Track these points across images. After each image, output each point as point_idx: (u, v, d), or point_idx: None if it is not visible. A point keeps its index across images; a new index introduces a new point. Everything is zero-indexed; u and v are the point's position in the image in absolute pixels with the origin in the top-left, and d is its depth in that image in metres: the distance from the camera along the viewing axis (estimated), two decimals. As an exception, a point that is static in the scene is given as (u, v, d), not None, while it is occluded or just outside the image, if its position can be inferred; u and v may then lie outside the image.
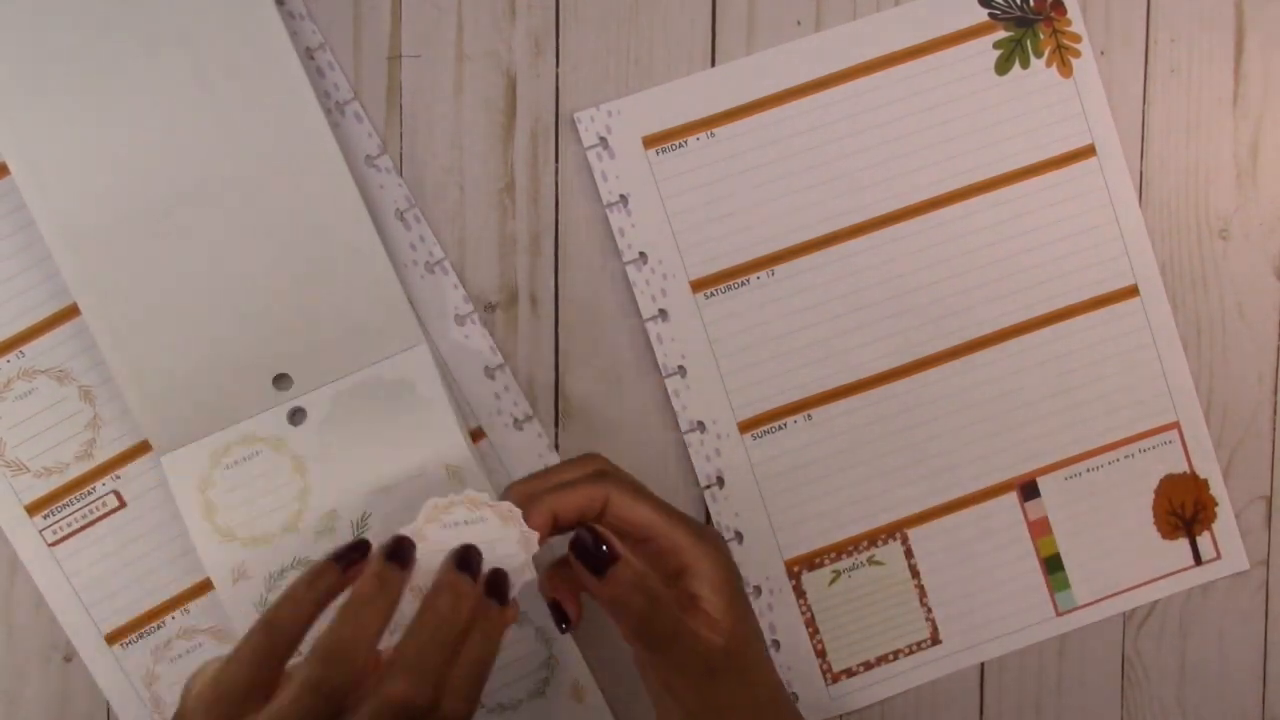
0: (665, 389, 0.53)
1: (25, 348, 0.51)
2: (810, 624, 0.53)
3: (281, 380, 0.50)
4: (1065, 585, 0.53)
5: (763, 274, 0.52)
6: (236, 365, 0.50)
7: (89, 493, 0.51)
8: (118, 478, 0.51)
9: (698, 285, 0.52)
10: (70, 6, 0.48)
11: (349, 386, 0.50)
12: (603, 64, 0.53)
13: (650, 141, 0.52)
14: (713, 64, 0.53)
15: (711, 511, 0.53)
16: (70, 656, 0.52)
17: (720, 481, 0.52)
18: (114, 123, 0.48)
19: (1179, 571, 0.54)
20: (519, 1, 0.52)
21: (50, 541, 0.51)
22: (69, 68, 0.48)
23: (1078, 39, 0.53)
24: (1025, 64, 0.53)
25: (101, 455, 0.51)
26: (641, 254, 0.52)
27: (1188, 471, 0.54)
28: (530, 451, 0.52)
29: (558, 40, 0.53)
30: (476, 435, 0.52)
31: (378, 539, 0.43)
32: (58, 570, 0.51)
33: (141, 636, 0.51)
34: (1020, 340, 0.53)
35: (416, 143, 0.52)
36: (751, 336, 0.52)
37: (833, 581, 0.53)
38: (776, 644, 0.53)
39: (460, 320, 0.52)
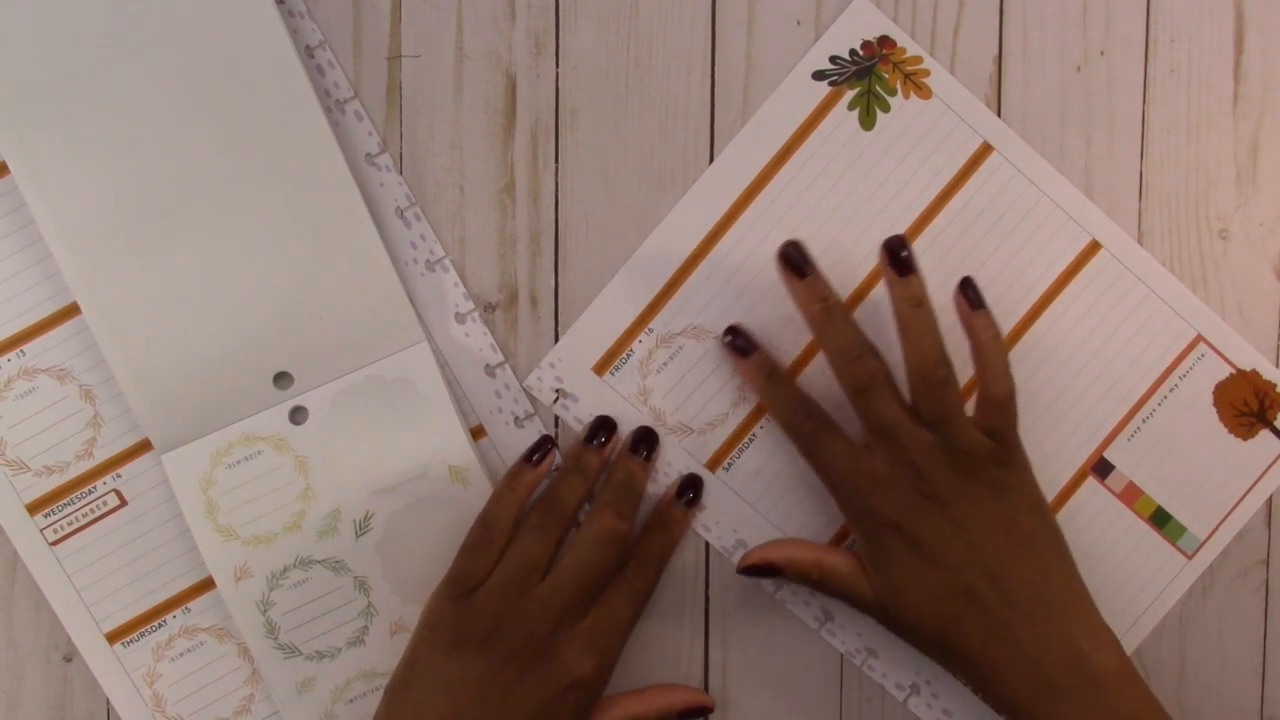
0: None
1: (26, 347, 0.51)
2: None
3: (282, 379, 0.50)
4: (1181, 530, 0.54)
5: (764, 422, 0.53)
6: (237, 364, 0.50)
7: (90, 491, 0.51)
8: (118, 476, 0.51)
9: (713, 464, 0.53)
10: (70, 6, 0.48)
11: (350, 385, 0.50)
12: (603, 64, 0.53)
13: (600, 368, 0.52)
14: (712, 63, 0.53)
15: (835, 645, 0.53)
16: (70, 656, 0.52)
17: (830, 616, 0.53)
18: (114, 122, 0.48)
19: (1277, 459, 0.54)
20: (519, 1, 0.53)
21: (51, 540, 0.51)
22: (69, 67, 0.48)
23: (919, 60, 0.53)
24: (885, 108, 0.53)
25: (102, 454, 0.51)
26: (667, 462, 0.53)
27: (1234, 372, 0.54)
28: (531, 450, 0.52)
29: (558, 40, 0.53)
30: (477, 433, 0.52)
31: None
32: (58, 569, 0.51)
33: (142, 635, 0.51)
34: (1021, 342, 0.53)
35: (416, 143, 0.52)
36: (783, 484, 0.53)
37: None
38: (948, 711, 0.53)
39: (461, 318, 0.52)
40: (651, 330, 0.53)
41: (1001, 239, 0.53)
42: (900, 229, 0.53)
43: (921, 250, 0.53)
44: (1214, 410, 0.54)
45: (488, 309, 0.53)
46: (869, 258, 0.53)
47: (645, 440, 0.51)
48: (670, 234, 0.53)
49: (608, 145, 0.53)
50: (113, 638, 0.51)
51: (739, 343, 0.51)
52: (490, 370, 0.52)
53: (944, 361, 0.48)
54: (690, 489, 0.52)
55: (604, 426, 0.51)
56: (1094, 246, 0.53)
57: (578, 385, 0.52)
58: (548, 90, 0.53)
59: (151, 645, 0.51)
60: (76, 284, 0.49)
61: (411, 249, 0.52)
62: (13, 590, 0.52)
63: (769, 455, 0.52)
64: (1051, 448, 0.53)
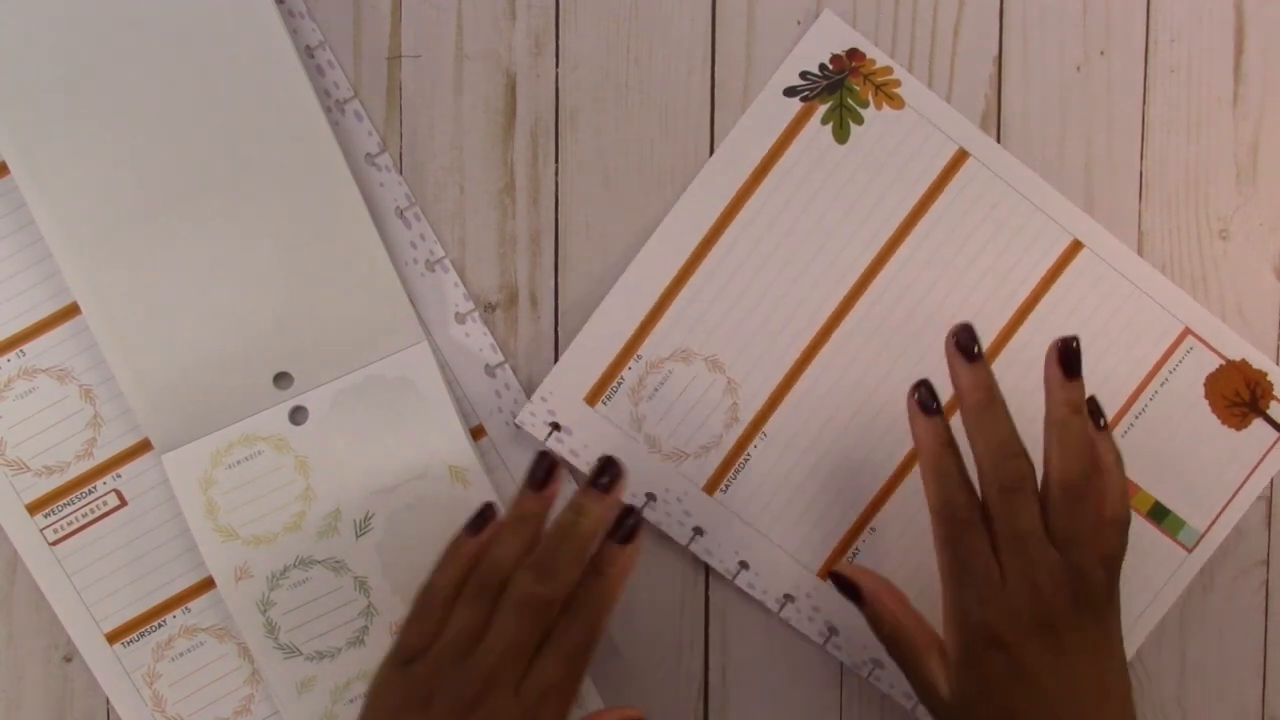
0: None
1: (26, 347, 0.51)
2: None
3: (282, 379, 0.50)
4: (1180, 524, 0.54)
5: (757, 441, 0.53)
6: (237, 364, 0.50)
7: (90, 492, 0.51)
8: (118, 476, 0.51)
9: (710, 487, 0.53)
10: (70, 7, 0.48)
11: (350, 385, 0.50)
12: (603, 64, 0.53)
13: (591, 398, 0.52)
14: (712, 63, 0.53)
15: (841, 657, 0.53)
16: (70, 656, 0.52)
17: (834, 631, 0.53)
18: (114, 121, 0.48)
19: (1272, 447, 0.54)
20: (519, 1, 0.53)
21: (51, 540, 0.51)
22: (69, 67, 0.48)
23: (889, 71, 0.53)
24: (858, 120, 0.53)
25: (102, 454, 0.51)
26: (649, 494, 0.53)
27: (1223, 363, 0.54)
28: (532, 449, 0.52)
29: (558, 40, 0.53)
30: (477, 433, 0.52)
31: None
32: (59, 569, 0.51)
33: (142, 635, 0.51)
34: (1009, 347, 0.53)
35: (416, 143, 0.52)
36: (784, 500, 0.53)
37: None
38: None
39: (461, 318, 0.52)
40: (640, 357, 0.52)
41: (983, 244, 0.53)
42: (881, 240, 0.53)
43: (904, 260, 0.53)
44: (1206, 402, 0.54)
45: (488, 309, 0.53)
46: (849, 272, 0.53)
47: (608, 470, 0.46)
48: (651, 259, 0.52)
49: (608, 145, 0.53)
50: (113, 638, 0.51)
51: (924, 398, 0.48)
52: (490, 370, 0.52)
53: (1087, 475, 0.46)
54: (627, 520, 0.46)
55: (545, 467, 0.47)
56: (1076, 246, 0.53)
57: (570, 417, 0.52)
58: (548, 90, 0.53)
59: (151, 645, 0.51)
60: (76, 284, 0.49)
61: (411, 249, 0.52)
62: (12, 590, 0.52)
63: (765, 474, 0.53)
64: None
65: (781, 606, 0.53)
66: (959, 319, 0.52)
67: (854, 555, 0.53)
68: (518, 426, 0.52)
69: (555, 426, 0.52)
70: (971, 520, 0.46)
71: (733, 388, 0.53)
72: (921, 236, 0.53)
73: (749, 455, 0.53)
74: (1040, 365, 0.53)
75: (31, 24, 0.48)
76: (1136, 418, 0.54)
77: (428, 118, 0.52)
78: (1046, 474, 0.46)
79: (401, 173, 0.52)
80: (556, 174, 0.53)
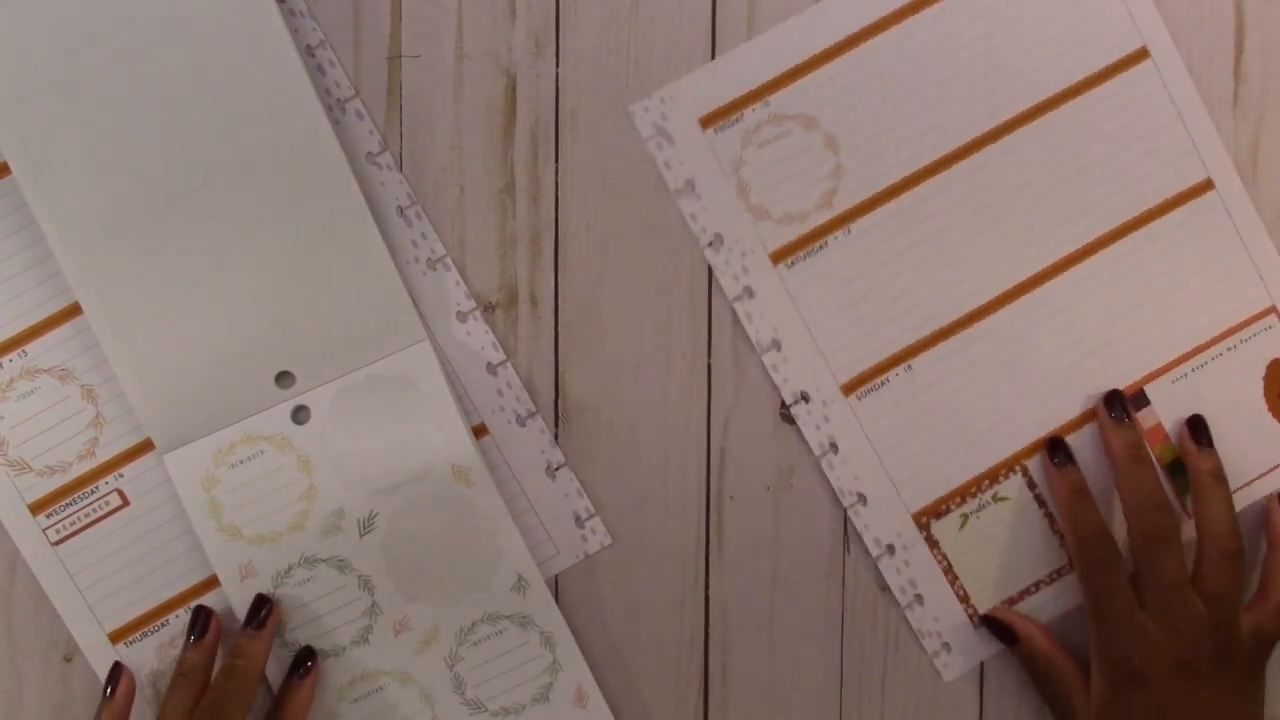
0: (663, 387, 0.53)
1: (27, 347, 0.51)
2: (949, 571, 0.53)
3: (284, 378, 0.50)
4: (1189, 488, 0.52)
5: (839, 234, 0.52)
6: (239, 363, 0.50)
7: (92, 491, 0.51)
8: (121, 476, 0.51)
9: (777, 256, 0.52)
10: (71, 6, 0.48)
11: (352, 384, 0.50)
12: (603, 64, 0.53)
13: (707, 121, 0.52)
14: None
15: (831, 479, 0.53)
16: (70, 656, 0.52)
17: (834, 448, 0.52)
18: (115, 122, 0.48)
19: None
20: (519, 1, 0.53)
21: (54, 540, 0.51)
22: (70, 67, 0.48)
23: None
24: None
25: (104, 454, 0.51)
26: (718, 235, 0.52)
27: None
28: (533, 448, 0.52)
29: (558, 40, 0.53)
30: (479, 431, 0.52)
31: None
32: (61, 569, 0.51)
33: (146, 635, 0.51)
34: (1101, 255, 0.53)
35: (416, 143, 0.52)
36: (839, 298, 0.52)
37: (962, 526, 0.53)
38: (920, 598, 0.53)
39: (462, 317, 0.52)
40: (768, 104, 0.52)
41: (1122, 147, 0.52)
42: (1035, 101, 0.52)
43: (1032, 133, 0.52)
44: (1261, 383, 0.53)
45: (487, 309, 0.53)
46: (990, 116, 0.52)
47: (255, 613, 0.50)
48: (836, 11, 0.51)
49: (608, 145, 0.53)
50: (115, 637, 0.51)
51: (1055, 452, 0.52)
52: (492, 369, 0.52)
53: (1239, 535, 0.49)
54: (304, 658, 0.50)
55: (198, 618, 0.50)
56: (1207, 184, 0.53)
57: (679, 130, 0.52)
58: (548, 90, 0.53)
59: (155, 645, 0.51)
60: (78, 284, 0.49)
61: (413, 247, 0.52)
62: (13, 590, 0.52)
63: (836, 264, 0.52)
64: (1099, 362, 0.53)
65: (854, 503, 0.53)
66: (1053, 233, 0.52)
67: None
68: (629, 117, 0.52)
69: (661, 131, 0.52)
70: (1105, 560, 0.49)
71: (839, 172, 0.52)
72: (1065, 116, 0.52)
73: (825, 243, 0.52)
74: (1126, 283, 0.53)
75: (32, 24, 0.48)
76: (1192, 371, 0.53)
77: (428, 118, 0.52)
78: (1199, 533, 0.50)
79: (401, 173, 0.52)
80: (556, 174, 0.53)
